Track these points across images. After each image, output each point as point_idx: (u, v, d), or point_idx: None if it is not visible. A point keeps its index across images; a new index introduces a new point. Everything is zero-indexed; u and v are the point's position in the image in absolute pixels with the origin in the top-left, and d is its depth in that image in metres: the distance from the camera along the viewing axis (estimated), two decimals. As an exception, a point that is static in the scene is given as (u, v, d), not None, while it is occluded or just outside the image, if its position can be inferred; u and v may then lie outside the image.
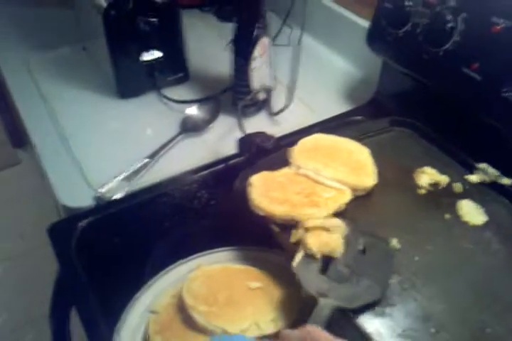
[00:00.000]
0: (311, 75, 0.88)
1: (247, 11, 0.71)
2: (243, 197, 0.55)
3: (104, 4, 0.77)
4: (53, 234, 0.64)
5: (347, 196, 0.53)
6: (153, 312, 0.51)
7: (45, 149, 0.77)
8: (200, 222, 0.65)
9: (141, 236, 0.62)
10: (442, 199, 0.55)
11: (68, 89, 0.89)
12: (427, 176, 0.56)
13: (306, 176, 0.55)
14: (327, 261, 0.48)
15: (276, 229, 0.52)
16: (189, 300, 0.50)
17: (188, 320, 0.49)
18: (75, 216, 0.65)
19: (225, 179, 0.64)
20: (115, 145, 0.78)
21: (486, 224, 0.52)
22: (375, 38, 0.69)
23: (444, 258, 0.50)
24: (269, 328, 0.47)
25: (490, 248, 0.50)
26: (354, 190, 0.54)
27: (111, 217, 0.65)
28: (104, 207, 0.66)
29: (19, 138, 2.04)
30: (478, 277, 0.48)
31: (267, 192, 0.54)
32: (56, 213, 0.80)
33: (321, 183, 0.54)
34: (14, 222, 1.65)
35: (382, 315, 0.44)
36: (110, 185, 0.69)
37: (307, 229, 0.49)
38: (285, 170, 0.57)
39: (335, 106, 0.81)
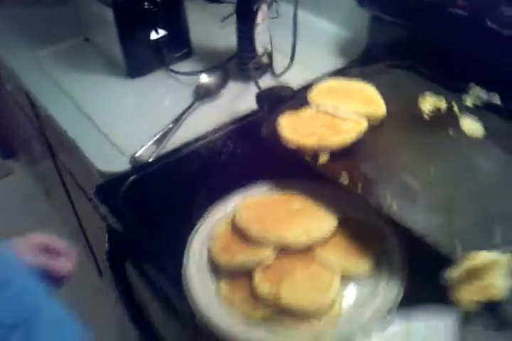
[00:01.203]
0: (303, 40, 0.96)
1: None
2: (272, 140, 0.63)
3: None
4: (99, 194, 0.71)
5: (364, 124, 0.61)
6: (212, 238, 0.59)
7: (75, 131, 0.82)
8: (231, 169, 0.71)
9: (181, 189, 0.69)
10: (445, 120, 0.64)
11: (81, 77, 0.95)
12: (429, 102, 0.65)
13: (326, 112, 0.63)
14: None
15: (308, 158, 0.60)
16: (242, 223, 0.57)
17: (243, 239, 0.56)
18: (118, 177, 0.72)
19: (249, 132, 0.72)
20: (136, 118, 0.85)
21: (485, 136, 0.61)
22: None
23: (455, 165, 0.58)
24: (320, 234, 0.55)
25: (489, 154, 0.59)
26: (368, 119, 0.63)
27: (151, 175, 0.72)
28: (142, 167, 0.73)
29: (10, 148, 2.07)
30: (480, 179, 0.56)
31: (295, 129, 0.62)
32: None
33: (340, 117, 0.62)
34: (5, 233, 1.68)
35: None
36: (141, 150, 0.76)
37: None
38: (307, 110, 0.65)
39: (331, 64, 0.89)
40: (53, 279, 0.52)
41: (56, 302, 0.40)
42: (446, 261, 0.48)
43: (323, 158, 0.59)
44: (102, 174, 0.76)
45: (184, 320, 0.56)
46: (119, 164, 0.75)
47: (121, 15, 0.86)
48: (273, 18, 0.99)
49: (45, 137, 1.19)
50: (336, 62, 0.90)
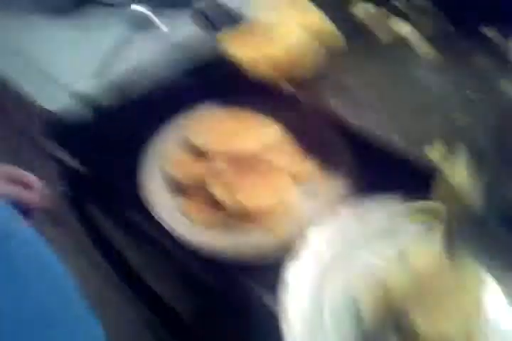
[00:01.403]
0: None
1: None
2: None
3: None
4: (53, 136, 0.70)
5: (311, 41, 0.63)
6: (166, 157, 0.60)
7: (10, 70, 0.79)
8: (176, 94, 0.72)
9: (130, 121, 0.69)
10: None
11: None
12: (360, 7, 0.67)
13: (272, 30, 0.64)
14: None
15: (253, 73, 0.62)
16: (193, 138, 0.59)
17: (196, 154, 0.59)
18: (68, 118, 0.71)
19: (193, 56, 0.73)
20: (74, 52, 0.82)
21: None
22: None
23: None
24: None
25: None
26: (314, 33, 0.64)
27: (99, 112, 0.71)
28: (89, 105, 0.72)
29: None
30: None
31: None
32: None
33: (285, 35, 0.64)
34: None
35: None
36: (84, 85, 0.74)
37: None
38: (249, 29, 0.65)
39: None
40: (21, 211, 0.52)
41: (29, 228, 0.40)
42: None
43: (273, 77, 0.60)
44: (47, 113, 0.74)
45: (153, 243, 0.58)
46: (61, 101, 0.74)
47: None
48: None
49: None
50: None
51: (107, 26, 0.86)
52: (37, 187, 0.53)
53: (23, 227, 0.38)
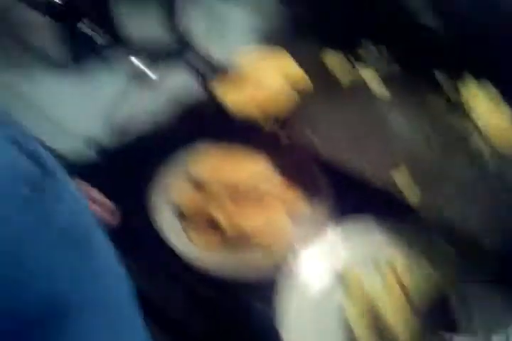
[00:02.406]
0: (218, 23, 1.06)
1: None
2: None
3: None
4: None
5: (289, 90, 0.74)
6: (171, 189, 0.70)
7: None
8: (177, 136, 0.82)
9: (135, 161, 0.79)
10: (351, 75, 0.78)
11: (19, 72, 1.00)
12: (331, 59, 0.79)
13: (259, 82, 0.76)
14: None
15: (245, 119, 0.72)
16: (195, 173, 0.69)
17: (198, 186, 0.69)
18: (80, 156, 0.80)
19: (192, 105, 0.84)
20: (78, 103, 0.92)
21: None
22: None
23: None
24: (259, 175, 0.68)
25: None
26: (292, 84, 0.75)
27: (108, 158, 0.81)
28: (99, 145, 0.82)
29: None
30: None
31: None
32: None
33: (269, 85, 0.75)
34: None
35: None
36: (92, 132, 0.84)
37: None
38: (239, 81, 0.76)
39: (244, 41, 1.01)
40: None
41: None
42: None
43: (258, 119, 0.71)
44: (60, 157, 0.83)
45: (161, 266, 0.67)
46: (72, 147, 0.83)
47: (55, 18, 0.93)
48: (193, 6, 1.09)
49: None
50: (252, 41, 1.01)
51: (106, 76, 0.96)
52: (108, 206, 0.61)
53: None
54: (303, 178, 0.70)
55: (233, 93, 0.76)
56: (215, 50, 0.99)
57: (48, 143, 0.85)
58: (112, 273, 0.50)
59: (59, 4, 0.95)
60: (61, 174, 0.47)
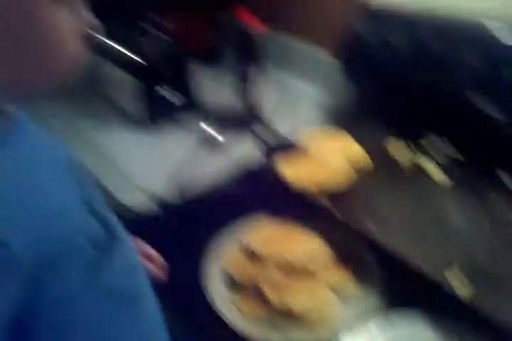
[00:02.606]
0: (291, 99, 1.13)
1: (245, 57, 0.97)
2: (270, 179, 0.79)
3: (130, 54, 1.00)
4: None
5: (349, 169, 0.77)
6: (226, 258, 0.72)
7: (99, 171, 0.95)
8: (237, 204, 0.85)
9: (195, 223, 0.82)
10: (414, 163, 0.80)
11: (101, 126, 1.08)
12: (396, 148, 0.81)
13: (319, 159, 0.79)
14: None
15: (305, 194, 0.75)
16: (251, 245, 0.71)
17: (252, 258, 0.70)
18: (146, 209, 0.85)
19: (250, 174, 0.87)
20: (151, 161, 0.98)
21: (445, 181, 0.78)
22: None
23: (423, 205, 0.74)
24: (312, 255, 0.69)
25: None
26: (353, 165, 0.78)
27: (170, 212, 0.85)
28: (162, 205, 0.86)
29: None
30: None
31: (293, 171, 0.77)
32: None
33: (328, 162, 0.78)
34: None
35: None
36: (159, 189, 0.89)
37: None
38: (301, 157, 0.80)
39: (313, 120, 1.05)
40: None
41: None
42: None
43: (316, 196, 0.73)
44: (125, 209, 0.88)
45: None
46: (138, 200, 0.88)
47: (138, 78, 1.01)
48: (265, 80, 1.16)
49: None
50: (320, 122, 1.06)
51: (178, 139, 1.02)
52: (159, 263, 0.65)
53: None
54: (354, 260, 0.71)
55: (293, 167, 0.80)
56: (282, 123, 1.04)
57: (114, 194, 0.91)
58: (156, 338, 0.52)
59: (143, 65, 1.04)
60: (121, 234, 0.51)
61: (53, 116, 1.11)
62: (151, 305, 0.52)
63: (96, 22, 0.43)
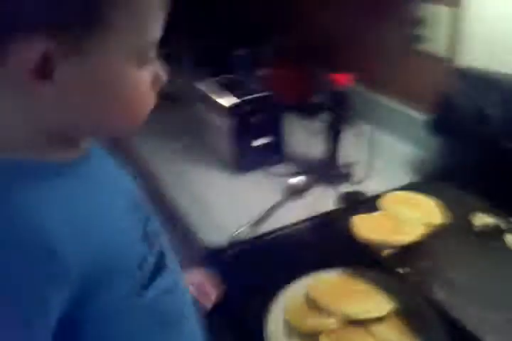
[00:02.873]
0: (380, 156, 1.14)
1: (337, 112, 1.02)
2: (346, 234, 0.80)
3: (232, 104, 1.09)
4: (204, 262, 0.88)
5: (421, 230, 0.77)
6: (289, 306, 0.73)
7: (187, 209, 1.04)
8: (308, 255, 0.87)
9: (267, 265, 0.85)
10: (492, 234, 0.78)
11: (197, 168, 1.18)
12: (480, 219, 0.80)
13: (395, 217, 0.80)
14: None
15: (374, 250, 0.76)
16: (315, 296, 0.72)
17: (315, 308, 0.71)
18: (220, 249, 0.90)
19: (326, 226, 0.89)
20: (236, 205, 1.04)
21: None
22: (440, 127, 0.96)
23: (496, 271, 0.71)
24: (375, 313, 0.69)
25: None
26: (427, 226, 0.78)
27: (244, 251, 0.89)
28: (239, 244, 0.91)
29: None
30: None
31: (365, 227, 0.78)
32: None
33: (403, 221, 0.78)
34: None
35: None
36: (238, 231, 0.94)
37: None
38: (377, 213, 0.81)
39: (401, 178, 1.06)
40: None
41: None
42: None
43: (385, 252, 0.74)
44: (204, 246, 0.94)
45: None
46: (218, 239, 0.94)
47: (234, 126, 1.10)
48: (356, 136, 1.20)
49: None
50: (406, 178, 1.07)
51: (265, 186, 1.08)
52: (213, 293, 0.70)
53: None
54: (415, 318, 0.69)
55: (372, 230, 0.80)
56: (368, 178, 1.06)
57: (196, 230, 0.97)
58: None
59: (236, 112, 1.11)
60: (172, 264, 0.57)
61: (153, 153, 1.25)
62: (193, 329, 0.56)
63: (165, 75, 0.51)
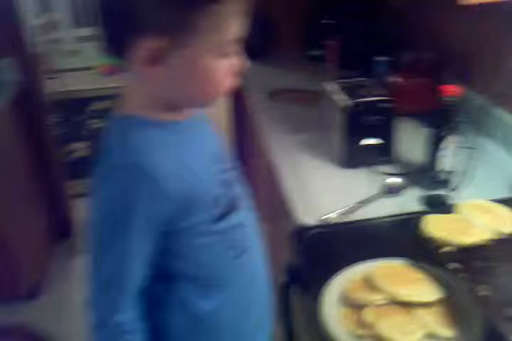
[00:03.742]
0: (484, 167, 1.17)
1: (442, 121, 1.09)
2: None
3: (347, 105, 1.22)
4: (294, 236, 1.04)
5: (489, 235, 0.83)
6: (348, 282, 0.85)
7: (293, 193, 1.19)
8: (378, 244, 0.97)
9: (342, 247, 0.97)
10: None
11: (309, 160, 1.33)
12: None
13: (465, 220, 0.87)
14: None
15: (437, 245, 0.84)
16: (373, 276, 0.83)
17: (370, 285, 0.82)
18: (308, 227, 1.04)
19: (404, 223, 0.98)
20: (336, 194, 1.17)
21: None
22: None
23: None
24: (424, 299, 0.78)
25: None
26: (495, 232, 0.83)
27: (328, 232, 1.02)
28: (325, 226, 1.04)
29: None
30: None
31: (436, 226, 0.86)
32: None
33: (472, 224, 0.85)
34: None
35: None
36: (329, 216, 1.07)
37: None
38: (450, 215, 0.89)
39: (498, 192, 1.09)
40: None
41: None
42: None
43: (445, 248, 0.81)
44: (298, 224, 1.08)
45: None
46: (309, 219, 1.08)
47: (348, 122, 1.22)
48: (465, 147, 1.23)
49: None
50: (504, 191, 1.09)
51: (365, 184, 1.18)
52: None
53: None
54: (457, 315, 0.76)
55: (442, 229, 0.88)
56: (465, 188, 1.10)
57: (292, 209, 1.12)
58: None
59: (349, 112, 1.21)
60: (244, 205, 0.81)
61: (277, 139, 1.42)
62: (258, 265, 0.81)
63: (247, 63, 0.69)
